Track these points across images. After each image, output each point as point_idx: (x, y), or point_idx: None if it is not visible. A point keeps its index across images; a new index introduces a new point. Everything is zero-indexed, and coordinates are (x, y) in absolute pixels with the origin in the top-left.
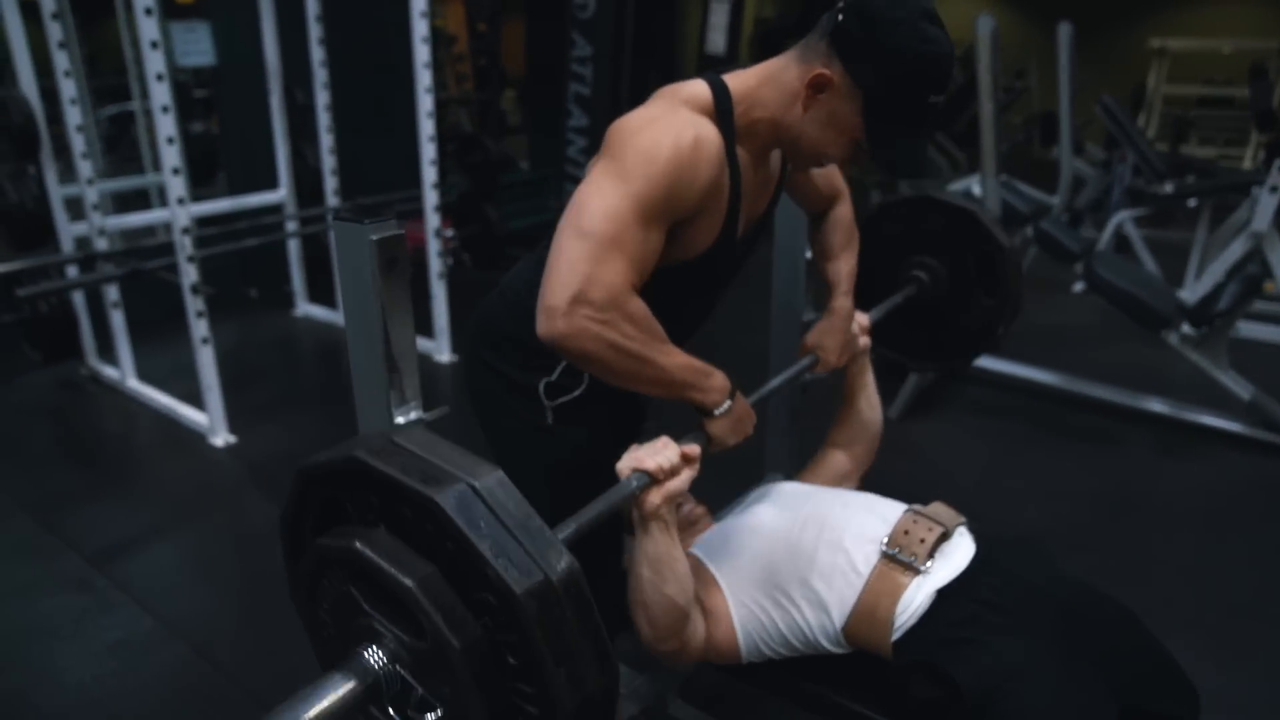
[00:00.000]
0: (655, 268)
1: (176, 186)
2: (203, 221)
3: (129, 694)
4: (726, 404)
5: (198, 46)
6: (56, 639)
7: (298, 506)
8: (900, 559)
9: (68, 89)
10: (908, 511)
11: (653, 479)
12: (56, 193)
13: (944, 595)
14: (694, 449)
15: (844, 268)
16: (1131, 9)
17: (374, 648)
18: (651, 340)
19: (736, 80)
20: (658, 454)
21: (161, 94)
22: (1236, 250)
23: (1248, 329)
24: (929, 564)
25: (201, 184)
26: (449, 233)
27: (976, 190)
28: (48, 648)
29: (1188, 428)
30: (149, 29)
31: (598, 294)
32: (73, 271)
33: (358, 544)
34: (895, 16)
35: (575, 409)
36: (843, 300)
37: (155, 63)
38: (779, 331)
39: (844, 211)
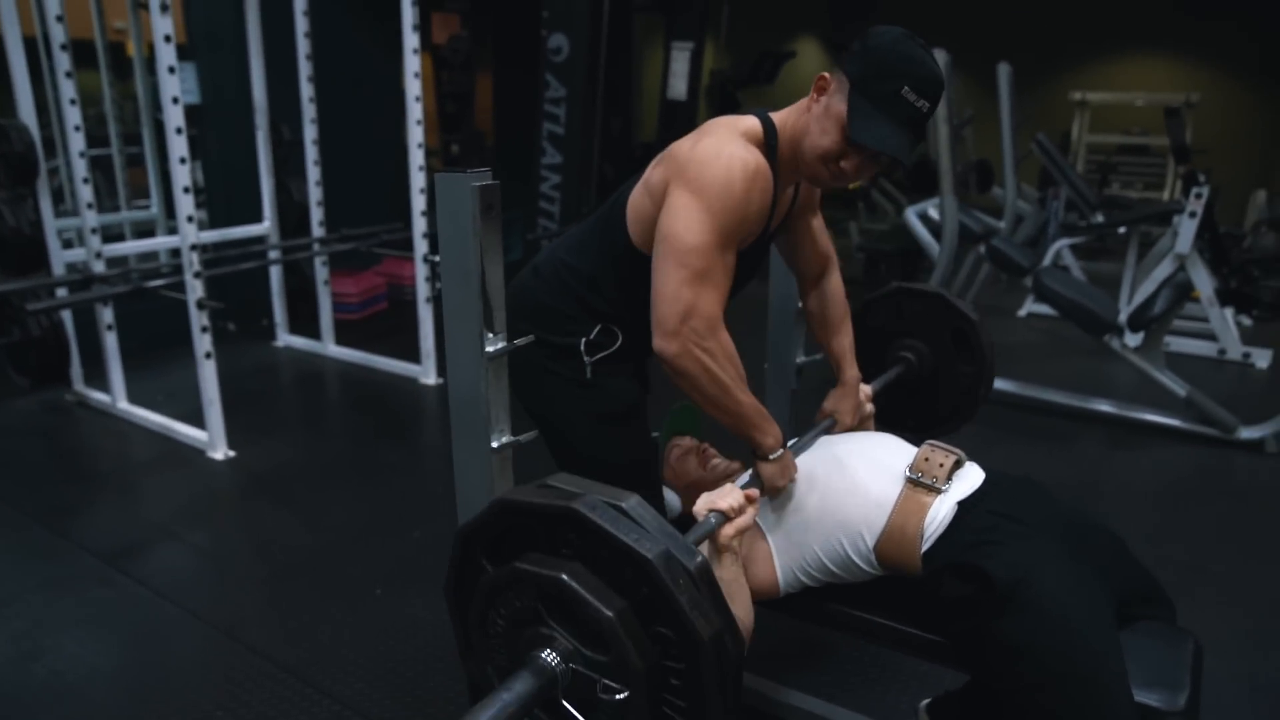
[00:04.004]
0: None
1: (187, 205)
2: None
3: (167, 671)
4: (780, 451)
5: (183, 86)
6: (86, 627)
7: (482, 527)
8: (923, 482)
9: (72, 116)
10: (926, 443)
11: (725, 517)
12: (51, 219)
13: (964, 508)
14: (754, 492)
15: (846, 341)
16: (1054, 64)
17: (550, 651)
18: (737, 378)
19: (778, 117)
20: (727, 496)
21: (176, 117)
22: (1163, 271)
23: (1178, 343)
24: (948, 485)
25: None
26: (438, 258)
27: (933, 213)
28: (77, 636)
29: (1133, 425)
30: (167, 54)
31: (699, 321)
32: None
33: (564, 576)
34: (888, 31)
35: (610, 363)
36: (850, 371)
37: (172, 87)
38: (774, 374)
39: (836, 283)
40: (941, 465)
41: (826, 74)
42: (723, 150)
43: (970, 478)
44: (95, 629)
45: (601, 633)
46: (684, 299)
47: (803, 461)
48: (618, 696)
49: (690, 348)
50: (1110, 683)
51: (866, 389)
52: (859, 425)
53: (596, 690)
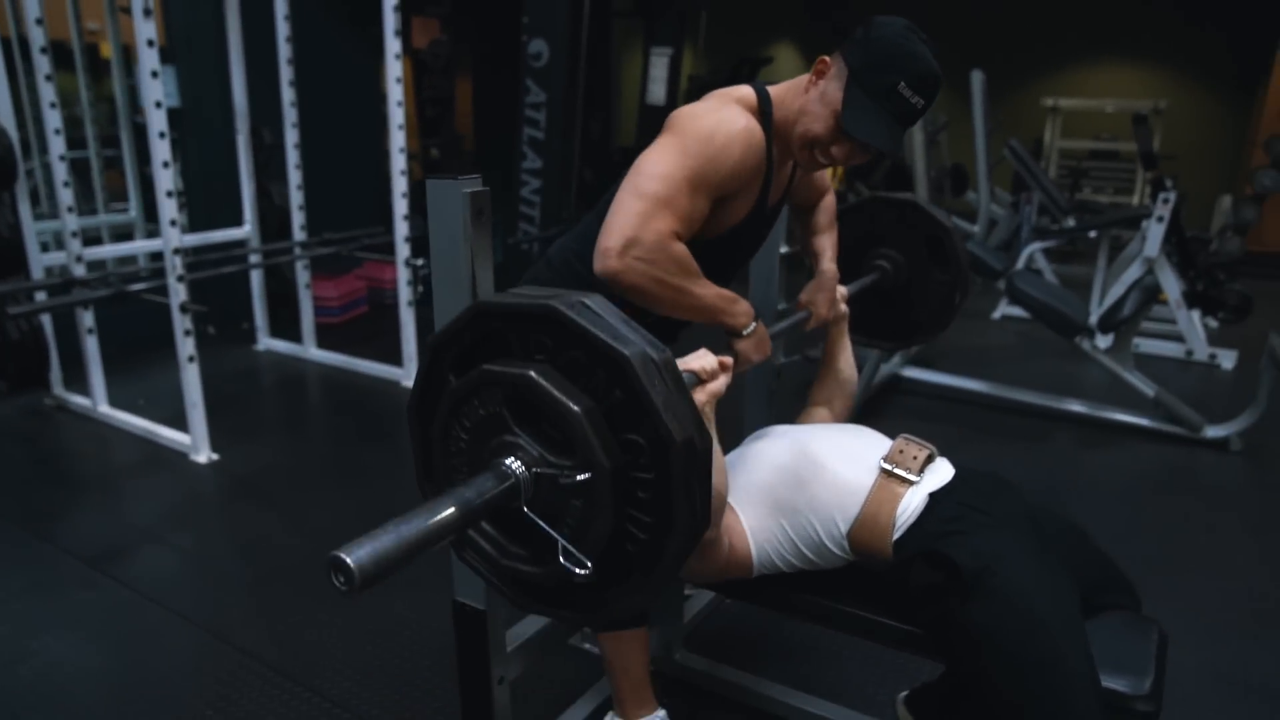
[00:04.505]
0: (698, 240)
1: (170, 209)
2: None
3: (155, 672)
4: (752, 325)
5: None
6: (72, 630)
7: (455, 334)
8: (897, 473)
9: (53, 120)
10: (901, 436)
11: (698, 379)
12: (30, 222)
13: (935, 499)
14: (728, 359)
15: (828, 239)
16: (1025, 71)
17: (514, 459)
18: (689, 275)
19: (774, 90)
20: (700, 359)
21: (159, 121)
22: (1133, 274)
23: (1147, 345)
24: (921, 476)
25: (156, 219)
26: (419, 261)
27: None
28: (64, 638)
29: (1103, 424)
30: (150, 59)
31: (648, 239)
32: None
33: (532, 373)
34: (891, 23)
35: None
36: (828, 265)
37: (155, 91)
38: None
39: (828, 201)
40: (915, 458)
41: (827, 58)
42: (717, 110)
43: (941, 471)
44: (81, 631)
45: (569, 431)
46: (633, 224)
47: (776, 453)
48: (579, 477)
49: (633, 264)
50: (1075, 666)
51: (843, 289)
52: (834, 324)
53: (560, 494)
